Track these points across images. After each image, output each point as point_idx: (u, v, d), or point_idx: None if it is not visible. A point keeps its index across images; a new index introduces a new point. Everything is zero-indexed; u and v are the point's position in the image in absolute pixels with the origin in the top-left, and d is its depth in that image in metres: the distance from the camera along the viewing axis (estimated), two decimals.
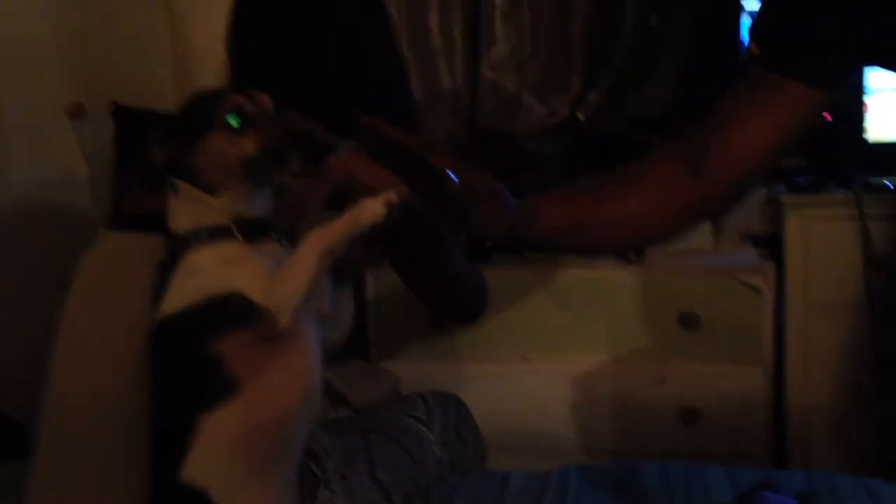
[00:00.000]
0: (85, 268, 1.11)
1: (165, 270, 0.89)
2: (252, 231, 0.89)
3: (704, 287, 1.83)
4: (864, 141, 1.82)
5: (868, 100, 1.82)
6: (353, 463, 1.13)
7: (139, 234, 1.06)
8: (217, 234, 0.87)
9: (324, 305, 0.96)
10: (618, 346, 1.89)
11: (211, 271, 0.86)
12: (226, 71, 2.23)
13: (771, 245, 1.91)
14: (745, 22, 1.99)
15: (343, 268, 1.05)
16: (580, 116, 2.20)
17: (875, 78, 1.82)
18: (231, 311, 0.83)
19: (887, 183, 1.69)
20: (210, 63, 2.34)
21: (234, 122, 0.86)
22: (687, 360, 1.86)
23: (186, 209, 0.89)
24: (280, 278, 0.83)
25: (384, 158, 0.92)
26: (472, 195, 0.92)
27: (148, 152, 0.90)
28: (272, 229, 0.91)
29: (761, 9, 1.02)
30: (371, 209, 0.82)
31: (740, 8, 2.00)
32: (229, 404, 0.84)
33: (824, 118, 1.88)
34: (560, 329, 1.92)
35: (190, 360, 0.85)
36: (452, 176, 0.91)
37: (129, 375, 0.97)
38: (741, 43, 2.01)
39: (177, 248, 0.89)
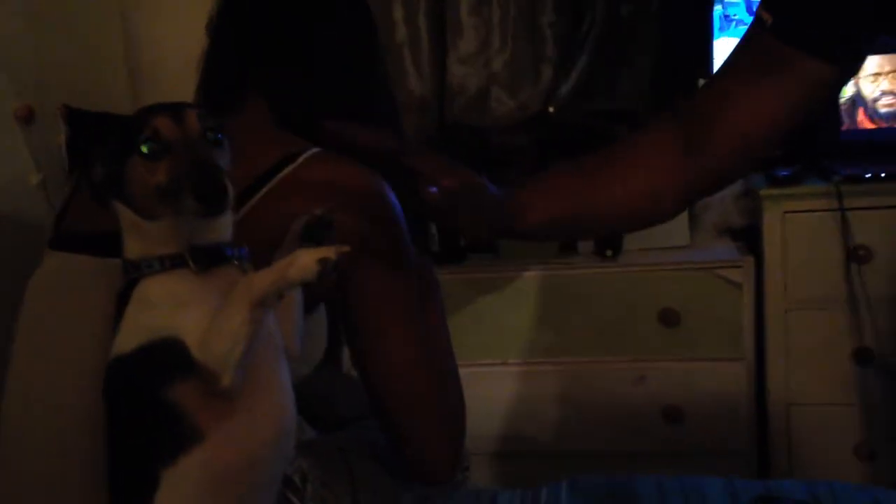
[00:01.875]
0: (32, 292, 1.02)
1: (122, 302, 0.82)
2: (207, 259, 0.81)
3: (683, 283, 1.80)
4: (841, 131, 1.80)
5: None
6: (333, 487, 1.07)
7: (85, 256, 0.98)
8: (169, 263, 0.80)
9: (294, 345, 0.90)
10: (597, 346, 1.86)
11: (159, 308, 0.79)
12: (188, 65, 2.14)
13: (749, 238, 1.89)
14: (718, 12, 1.96)
15: (311, 297, 0.97)
16: (551, 109, 2.14)
17: None
18: (173, 359, 0.76)
19: (866, 174, 1.66)
20: (165, 62, 2.29)
21: (146, 148, 0.77)
22: (668, 358, 1.83)
23: (132, 235, 0.82)
24: (215, 332, 0.76)
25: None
26: (454, 198, 0.86)
27: (90, 168, 0.82)
28: (234, 254, 0.83)
29: None
30: (302, 265, 0.74)
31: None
32: (192, 453, 0.77)
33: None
34: (538, 330, 1.88)
35: (145, 408, 0.78)
36: (432, 188, 0.85)
37: (81, 411, 0.90)
38: (712, 33, 1.97)
39: (129, 276, 0.82)
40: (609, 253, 1.87)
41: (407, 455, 1.04)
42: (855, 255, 1.66)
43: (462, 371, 1.82)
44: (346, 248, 0.75)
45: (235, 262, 0.83)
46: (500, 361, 1.89)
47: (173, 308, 0.78)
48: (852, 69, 0.93)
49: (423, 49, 2.20)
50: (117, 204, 0.82)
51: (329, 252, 0.74)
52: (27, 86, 1.84)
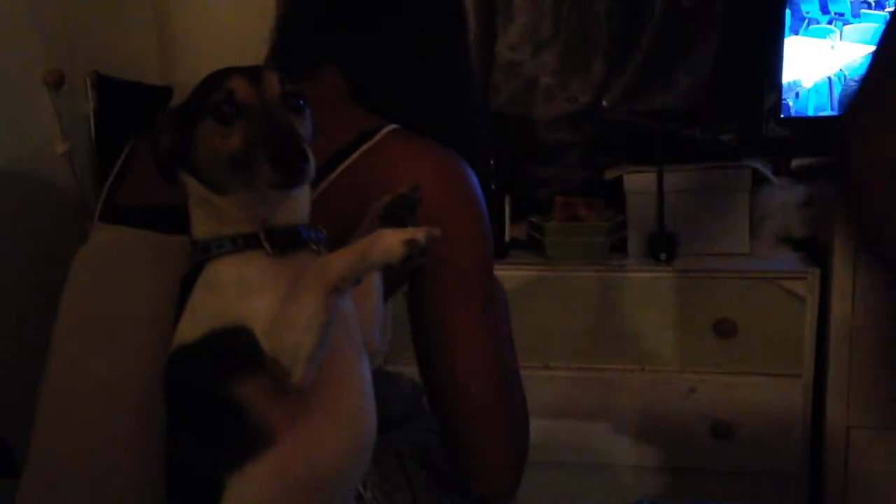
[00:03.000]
0: (80, 267, 0.92)
1: (187, 285, 0.72)
2: (284, 242, 0.72)
3: (742, 292, 1.70)
4: None
5: None
6: (393, 496, 0.98)
7: (138, 229, 0.88)
8: (242, 243, 0.71)
9: (374, 338, 0.80)
10: (646, 354, 1.76)
11: (228, 293, 0.69)
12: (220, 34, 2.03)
13: (809, 249, 1.79)
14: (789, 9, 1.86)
15: (387, 286, 0.87)
16: (604, 103, 2.05)
17: None
18: (240, 350, 0.67)
19: None
20: (197, 31, 2.20)
21: (219, 111, 0.69)
22: (720, 371, 1.73)
23: (202, 212, 0.73)
24: (286, 321, 0.66)
25: None
26: None
27: (156, 137, 0.73)
28: (311, 237, 0.74)
29: None
30: (386, 245, 0.65)
31: None
32: (262, 459, 0.67)
33: None
34: (584, 333, 1.78)
35: (210, 404, 0.69)
36: None
37: (131, 397, 0.81)
38: (783, 32, 1.87)
39: (197, 257, 0.72)
40: (663, 256, 1.78)
41: (468, 464, 0.94)
42: None
43: None
44: (437, 231, 0.66)
45: (313, 247, 0.74)
46: (542, 365, 1.79)
47: (243, 293, 0.69)
48: None
49: (470, 33, 2.10)
50: (185, 177, 0.73)
51: (418, 234, 0.65)
52: (57, 50, 1.75)
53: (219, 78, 0.71)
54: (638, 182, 1.84)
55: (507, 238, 1.88)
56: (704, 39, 1.99)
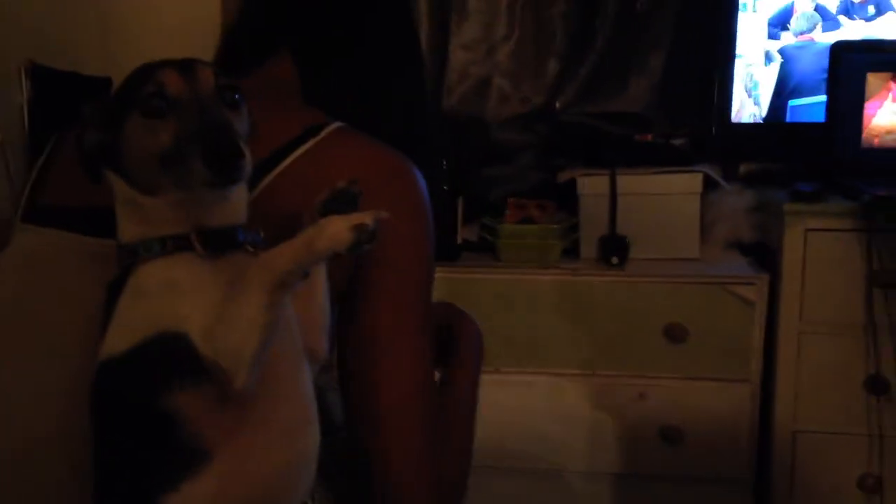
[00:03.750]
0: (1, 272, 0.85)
1: (113, 291, 0.67)
2: (217, 244, 0.67)
3: (692, 297, 1.70)
4: (862, 148, 1.72)
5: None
6: None
7: (62, 231, 0.82)
8: (171, 245, 0.66)
9: (320, 344, 0.75)
10: (596, 358, 1.75)
11: (157, 298, 0.64)
12: (164, 25, 1.96)
13: (759, 255, 1.80)
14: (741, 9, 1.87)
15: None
16: (557, 105, 2.03)
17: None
18: (174, 357, 0.62)
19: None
20: (140, 21, 2.12)
21: (147, 105, 0.64)
22: (671, 376, 1.73)
23: (129, 213, 0.68)
24: (226, 321, 0.62)
25: None
26: None
27: (81, 132, 0.68)
28: (247, 239, 0.69)
29: None
30: (332, 233, 0.61)
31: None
32: (198, 478, 0.63)
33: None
34: (535, 337, 1.76)
35: (142, 419, 0.63)
36: None
37: (56, 420, 0.75)
38: (735, 36, 1.88)
39: (124, 261, 0.67)
40: (615, 261, 1.77)
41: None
42: (878, 280, 1.58)
43: None
44: (384, 214, 0.62)
45: (250, 249, 0.69)
46: (492, 369, 1.77)
47: (176, 297, 0.64)
48: None
49: (423, 32, 2.07)
50: (111, 176, 0.68)
51: (365, 217, 0.61)
52: None
53: (148, 70, 0.66)
54: (591, 185, 1.83)
55: (459, 240, 1.85)
56: (657, 44, 1.99)
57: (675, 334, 1.70)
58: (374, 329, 0.81)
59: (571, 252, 1.85)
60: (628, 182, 1.80)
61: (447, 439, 0.88)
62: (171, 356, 0.62)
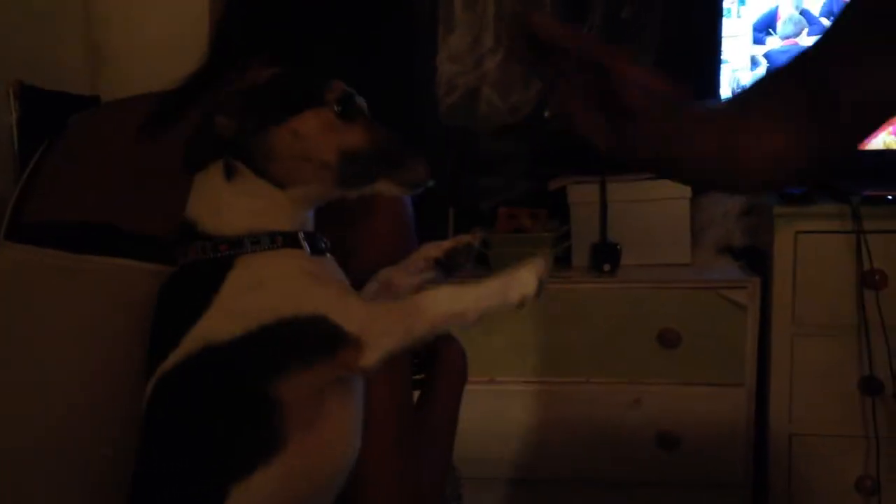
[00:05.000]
0: None
1: (188, 285, 0.67)
2: (313, 245, 0.69)
3: (685, 302, 1.70)
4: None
5: None
6: None
7: (47, 249, 0.81)
8: (281, 241, 0.67)
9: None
10: (590, 366, 1.75)
11: (285, 286, 0.65)
12: (149, 45, 1.96)
13: (750, 258, 1.80)
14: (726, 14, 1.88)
15: None
16: (546, 114, 2.03)
17: None
18: (313, 339, 0.64)
19: (888, 196, 1.58)
20: (126, 41, 2.13)
21: (346, 105, 0.69)
22: (665, 381, 1.73)
23: (242, 205, 0.68)
24: (389, 315, 0.65)
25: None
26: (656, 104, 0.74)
27: (213, 121, 0.68)
28: (326, 246, 0.71)
29: None
30: (524, 283, 0.65)
31: (718, 4, 1.88)
32: (270, 466, 0.63)
33: None
34: (529, 346, 1.76)
35: (239, 405, 0.64)
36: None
37: (50, 435, 0.74)
38: (720, 42, 1.89)
39: (214, 253, 0.67)
40: (606, 268, 1.77)
41: None
42: (870, 281, 1.58)
43: None
44: (545, 262, 0.67)
45: (329, 255, 0.71)
46: (486, 379, 1.77)
47: (308, 284, 0.66)
48: None
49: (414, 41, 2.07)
50: (239, 166, 0.68)
51: (541, 266, 0.66)
52: None
53: (315, 79, 0.70)
54: (581, 193, 1.83)
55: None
56: (643, 51, 2.00)
57: (668, 340, 1.70)
58: None
59: (563, 260, 1.85)
60: (618, 189, 1.80)
61: (426, 455, 0.88)
62: (300, 338, 0.64)
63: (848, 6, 0.81)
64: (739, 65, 1.90)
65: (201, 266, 0.67)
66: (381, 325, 0.64)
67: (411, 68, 0.96)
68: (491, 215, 1.93)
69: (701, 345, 1.70)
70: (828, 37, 0.83)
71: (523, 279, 0.65)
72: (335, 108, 0.68)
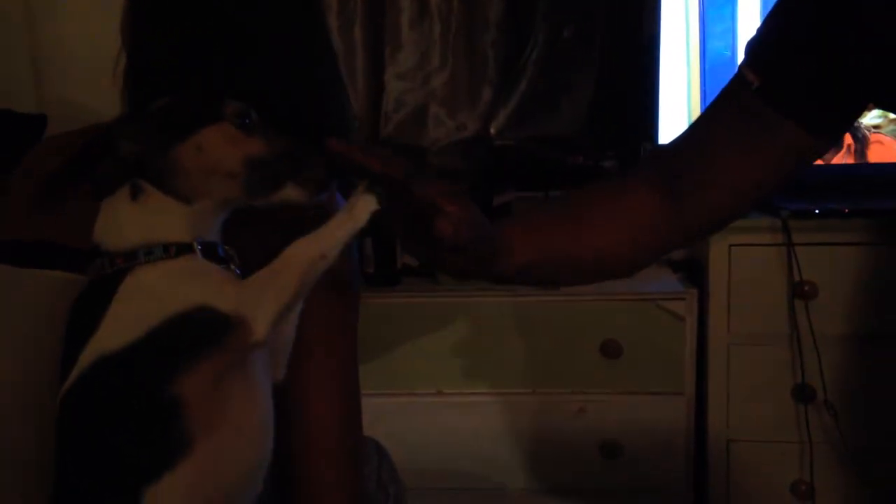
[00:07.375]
0: None
1: (88, 301, 0.69)
2: (209, 254, 0.72)
3: (626, 314, 1.75)
4: None
5: None
6: None
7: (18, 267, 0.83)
8: (175, 251, 0.70)
9: (280, 369, 0.79)
10: (535, 377, 1.79)
11: (168, 289, 0.68)
12: (95, 64, 1.97)
13: (690, 270, 1.86)
14: (661, 35, 1.93)
15: None
16: (492, 131, 2.08)
17: None
18: (199, 329, 0.66)
19: (815, 209, 1.65)
20: (72, 60, 2.12)
21: (244, 118, 0.73)
22: (608, 391, 1.77)
23: (139, 221, 0.71)
24: (257, 282, 0.68)
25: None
26: (462, 229, 0.75)
27: (115, 144, 0.71)
28: (226, 255, 0.74)
29: (764, 33, 0.86)
30: (363, 202, 0.71)
31: (657, 23, 1.94)
32: (179, 469, 0.65)
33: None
34: (474, 359, 1.79)
35: (140, 410, 0.66)
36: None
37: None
38: (658, 60, 1.95)
39: (112, 268, 0.69)
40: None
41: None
42: (800, 292, 1.64)
43: (395, 401, 1.77)
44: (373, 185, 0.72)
45: (232, 266, 0.74)
46: (434, 391, 1.79)
47: (189, 283, 0.68)
48: (835, 141, 0.90)
49: (359, 61, 2.11)
50: (145, 185, 0.71)
51: (374, 188, 0.72)
52: None
53: (215, 97, 0.73)
54: (526, 208, 1.87)
55: (398, 265, 1.88)
56: (585, 68, 2.06)
57: (610, 350, 1.75)
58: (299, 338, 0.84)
59: None
60: None
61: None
62: (186, 332, 0.66)
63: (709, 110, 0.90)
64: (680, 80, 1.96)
65: (99, 282, 0.69)
66: (252, 294, 0.67)
67: (309, 70, 0.97)
68: None
69: (642, 355, 1.75)
70: (688, 135, 0.91)
71: (363, 199, 0.71)
72: (234, 121, 0.71)
